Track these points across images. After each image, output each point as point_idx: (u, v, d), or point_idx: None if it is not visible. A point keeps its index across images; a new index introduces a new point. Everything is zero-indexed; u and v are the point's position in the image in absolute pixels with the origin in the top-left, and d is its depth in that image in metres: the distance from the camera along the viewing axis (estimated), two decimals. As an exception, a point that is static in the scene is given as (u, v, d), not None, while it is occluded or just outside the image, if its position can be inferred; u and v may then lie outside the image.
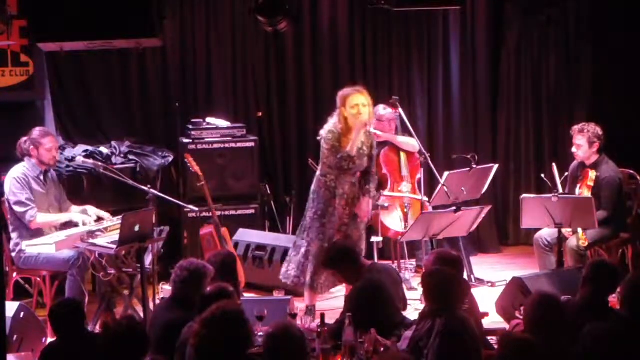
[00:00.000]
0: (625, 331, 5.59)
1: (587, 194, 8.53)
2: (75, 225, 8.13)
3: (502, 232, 10.75)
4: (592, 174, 8.62)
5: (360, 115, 7.91)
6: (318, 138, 8.12)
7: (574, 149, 8.77)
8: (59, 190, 8.44)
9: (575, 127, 8.77)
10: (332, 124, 8.03)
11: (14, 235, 8.14)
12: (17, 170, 8.19)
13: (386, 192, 9.16)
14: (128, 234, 7.49)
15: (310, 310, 8.02)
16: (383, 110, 9.35)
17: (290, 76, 10.37)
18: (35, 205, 8.11)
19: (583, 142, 8.67)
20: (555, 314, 5.58)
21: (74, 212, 8.28)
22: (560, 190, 8.48)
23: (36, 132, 8.31)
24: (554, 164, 8.74)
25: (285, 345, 5.20)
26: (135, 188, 8.36)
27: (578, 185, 8.71)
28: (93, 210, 8.30)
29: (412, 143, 9.29)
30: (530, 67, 10.65)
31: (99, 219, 8.21)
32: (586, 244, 8.31)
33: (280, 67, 10.35)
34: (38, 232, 8.10)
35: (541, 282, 7.58)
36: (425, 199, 9.04)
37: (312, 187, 8.13)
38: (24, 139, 8.27)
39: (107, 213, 8.32)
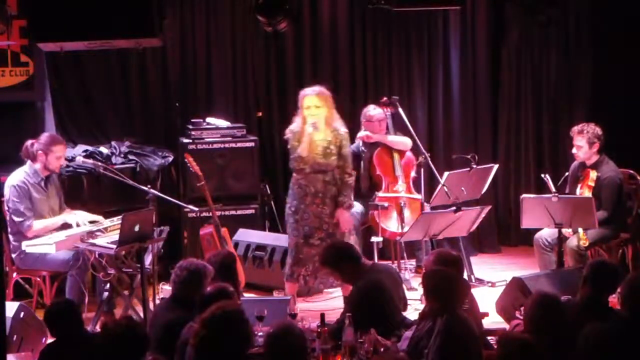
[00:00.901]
0: (625, 331, 5.59)
1: (587, 194, 8.52)
2: (71, 226, 8.13)
3: (502, 232, 10.74)
4: (593, 174, 8.62)
5: (312, 117, 7.98)
6: (285, 137, 8.20)
7: (574, 150, 8.76)
8: (60, 193, 8.42)
9: (575, 128, 8.76)
10: (295, 123, 8.12)
11: (12, 237, 8.13)
12: (17, 177, 8.14)
13: (381, 194, 9.16)
14: (128, 234, 7.49)
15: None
16: (373, 110, 9.36)
17: (290, 76, 10.37)
18: (36, 211, 8.10)
19: (583, 143, 8.67)
20: (555, 314, 5.59)
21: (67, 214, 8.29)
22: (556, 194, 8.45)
23: (46, 137, 8.26)
24: (547, 175, 8.69)
25: (286, 345, 5.21)
26: (135, 188, 8.36)
27: (579, 186, 8.71)
28: (85, 216, 8.27)
29: (403, 141, 9.30)
30: (530, 67, 10.65)
31: (93, 222, 8.18)
32: (587, 243, 8.30)
33: (280, 67, 10.35)
34: (39, 234, 8.09)
35: (541, 282, 7.57)
36: (421, 197, 9.05)
37: (290, 183, 8.23)
38: (31, 141, 8.21)
39: (100, 216, 8.30)
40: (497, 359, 5.29)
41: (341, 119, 8.21)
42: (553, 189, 8.41)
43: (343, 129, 8.17)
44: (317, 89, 8.12)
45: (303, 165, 8.04)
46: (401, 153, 9.35)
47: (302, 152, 8.01)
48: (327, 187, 8.08)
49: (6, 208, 8.12)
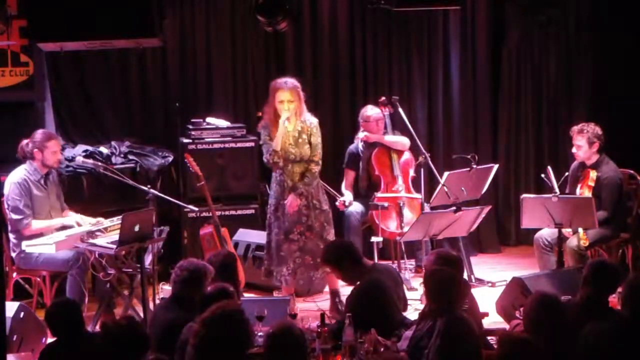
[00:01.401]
0: (625, 331, 5.59)
1: (587, 194, 8.52)
2: (70, 227, 8.13)
3: (502, 232, 10.74)
4: (593, 174, 8.61)
5: (285, 112, 8.04)
6: (258, 131, 8.27)
7: (574, 150, 8.76)
8: (59, 192, 8.43)
9: (575, 128, 8.75)
10: (266, 115, 8.19)
11: (12, 236, 8.14)
12: (18, 175, 8.15)
13: (380, 194, 9.16)
14: (128, 234, 7.49)
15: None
16: (370, 110, 9.37)
17: (290, 76, 10.33)
18: (35, 209, 8.10)
19: (583, 143, 8.66)
20: (555, 314, 5.58)
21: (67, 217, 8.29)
22: (558, 192, 8.45)
23: (39, 135, 8.26)
24: (548, 167, 8.73)
25: (286, 345, 5.21)
26: (135, 188, 8.36)
27: (579, 186, 8.70)
28: (85, 219, 8.27)
29: (401, 141, 9.30)
30: (530, 67, 10.65)
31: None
32: (587, 243, 8.30)
33: (280, 67, 10.35)
34: (36, 234, 8.09)
35: (541, 282, 7.57)
36: (421, 197, 9.05)
37: (270, 184, 8.29)
38: (26, 141, 8.22)
39: (101, 217, 8.31)
40: (497, 358, 5.29)
41: (310, 112, 8.27)
42: (555, 184, 8.41)
43: (313, 119, 8.22)
44: (289, 82, 8.17)
45: (277, 159, 8.09)
46: (399, 153, 9.35)
47: (276, 146, 8.05)
48: (303, 180, 8.13)
49: (6, 206, 8.12)
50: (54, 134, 8.62)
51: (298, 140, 8.10)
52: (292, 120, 8.10)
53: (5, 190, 8.13)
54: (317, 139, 8.18)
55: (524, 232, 10.24)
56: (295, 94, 8.09)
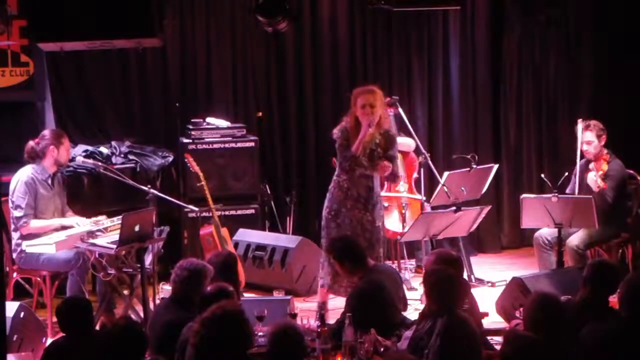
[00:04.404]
0: (624, 331, 5.59)
1: (600, 182, 8.50)
2: (70, 227, 8.13)
3: (502, 232, 10.74)
4: (605, 166, 8.62)
5: (368, 116, 7.79)
6: (334, 137, 8.02)
7: (585, 147, 8.70)
8: (63, 193, 8.42)
9: (580, 126, 8.71)
10: (343, 122, 7.99)
11: (15, 235, 8.14)
12: (25, 173, 8.14)
13: (383, 193, 9.16)
14: (128, 234, 7.49)
15: (322, 308, 8.00)
16: None
17: (290, 76, 10.37)
18: (40, 209, 8.10)
19: (592, 138, 8.67)
20: (555, 314, 5.58)
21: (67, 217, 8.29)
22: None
23: (52, 133, 8.27)
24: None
25: (286, 345, 5.22)
26: (135, 188, 8.36)
27: (592, 172, 8.62)
28: (86, 221, 8.26)
29: (406, 143, 9.31)
30: (530, 67, 10.65)
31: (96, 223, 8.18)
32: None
33: (280, 67, 10.35)
34: (34, 233, 8.09)
35: (541, 282, 7.58)
36: (423, 198, 9.06)
37: (330, 186, 8.07)
38: (35, 141, 8.20)
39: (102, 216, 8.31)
40: (502, 355, 5.27)
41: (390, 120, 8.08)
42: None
43: (393, 131, 8.08)
44: (371, 88, 7.98)
45: (355, 166, 7.87)
46: (404, 154, 9.35)
47: (355, 150, 7.82)
48: (369, 193, 7.93)
49: (10, 204, 8.13)
50: (63, 132, 8.62)
51: (373, 153, 7.89)
52: (372, 130, 7.84)
53: (12, 187, 8.13)
54: (393, 152, 7.98)
55: (524, 233, 10.24)
56: (378, 99, 7.85)
